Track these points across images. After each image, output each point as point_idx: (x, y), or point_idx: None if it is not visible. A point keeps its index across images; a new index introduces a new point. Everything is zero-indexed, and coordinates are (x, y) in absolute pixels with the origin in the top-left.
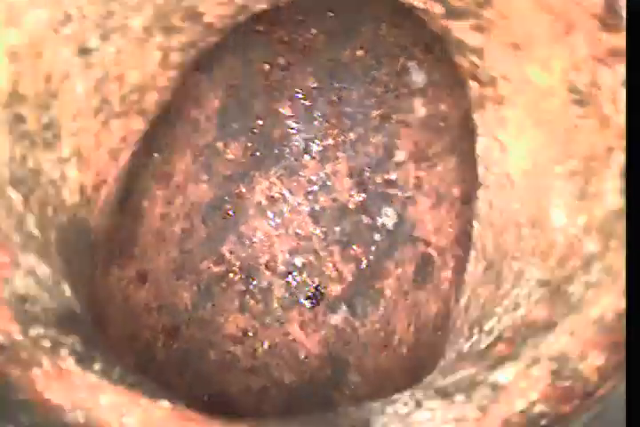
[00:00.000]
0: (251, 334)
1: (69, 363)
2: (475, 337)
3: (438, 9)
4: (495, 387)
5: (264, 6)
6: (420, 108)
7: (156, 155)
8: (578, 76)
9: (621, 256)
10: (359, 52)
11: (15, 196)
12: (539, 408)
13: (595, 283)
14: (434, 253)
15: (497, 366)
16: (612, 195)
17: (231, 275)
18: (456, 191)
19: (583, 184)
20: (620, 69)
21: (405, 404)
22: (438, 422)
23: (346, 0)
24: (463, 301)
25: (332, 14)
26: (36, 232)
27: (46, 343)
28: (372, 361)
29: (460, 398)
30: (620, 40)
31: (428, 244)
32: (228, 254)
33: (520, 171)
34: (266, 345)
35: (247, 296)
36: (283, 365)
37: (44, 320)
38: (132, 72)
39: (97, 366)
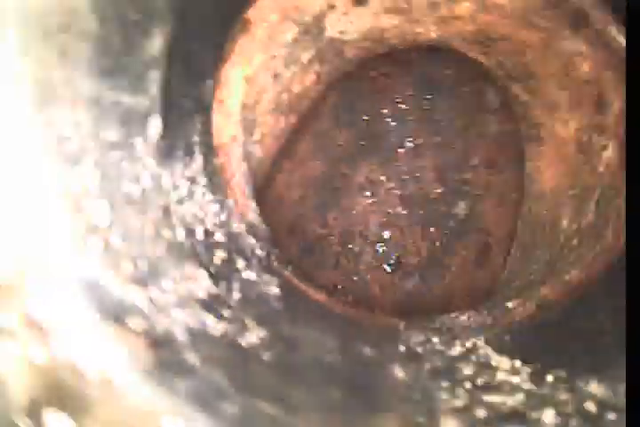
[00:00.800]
0: (340, 287)
1: None
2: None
3: (501, 73)
4: None
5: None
6: (493, 125)
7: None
8: (582, 135)
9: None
10: (447, 71)
11: None
12: None
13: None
14: (492, 242)
15: None
16: (591, 214)
17: (331, 237)
18: (514, 196)
19: (579, 204)
20: (600, 139)
21: None
22: None
23: None
24: (505, 274)
25: None
26: None
27: None
28: None
29: None
30: (605, 119)
31: (489, 234)
32: (331, 221)
33: (549, 188)
34: (350, 299)
35: (341, 257)
36: None
37: None
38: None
39: None
